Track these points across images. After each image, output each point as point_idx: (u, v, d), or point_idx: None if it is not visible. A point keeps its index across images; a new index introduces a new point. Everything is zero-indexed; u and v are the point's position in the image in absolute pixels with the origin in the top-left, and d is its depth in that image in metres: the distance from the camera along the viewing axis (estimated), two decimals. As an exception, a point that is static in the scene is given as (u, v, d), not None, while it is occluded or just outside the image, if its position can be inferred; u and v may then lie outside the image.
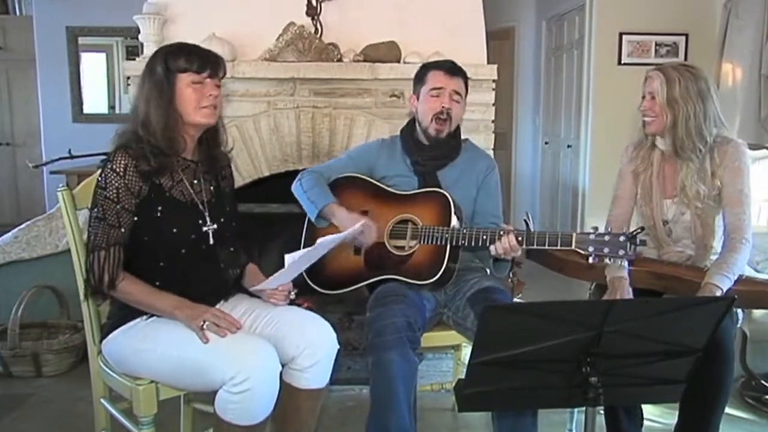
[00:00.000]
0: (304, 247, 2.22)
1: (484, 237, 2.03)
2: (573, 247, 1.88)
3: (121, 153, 1.77)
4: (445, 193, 2.18)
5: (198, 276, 1.88)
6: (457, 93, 2.26)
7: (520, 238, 1.97)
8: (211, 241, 1.89)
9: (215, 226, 1.90)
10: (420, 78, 2.31)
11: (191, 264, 1.86)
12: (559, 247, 1.91)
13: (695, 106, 2.06)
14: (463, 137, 2.39)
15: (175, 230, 1.82)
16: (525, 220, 2.01)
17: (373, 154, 2.38)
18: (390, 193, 2.28)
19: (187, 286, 1.85)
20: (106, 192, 1.76)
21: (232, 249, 1.99)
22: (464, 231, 2.06)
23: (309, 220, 2.33)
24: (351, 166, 2.37)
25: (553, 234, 1.93)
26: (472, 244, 2.05)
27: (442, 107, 2.22)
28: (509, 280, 3.15)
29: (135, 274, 1.81)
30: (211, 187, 1.95)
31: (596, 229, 1.87)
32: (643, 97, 2.16)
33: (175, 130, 1.81)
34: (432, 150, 2.29)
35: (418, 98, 2.30)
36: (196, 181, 1.90)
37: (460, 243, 2.07)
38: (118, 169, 1.75)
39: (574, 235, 1.89)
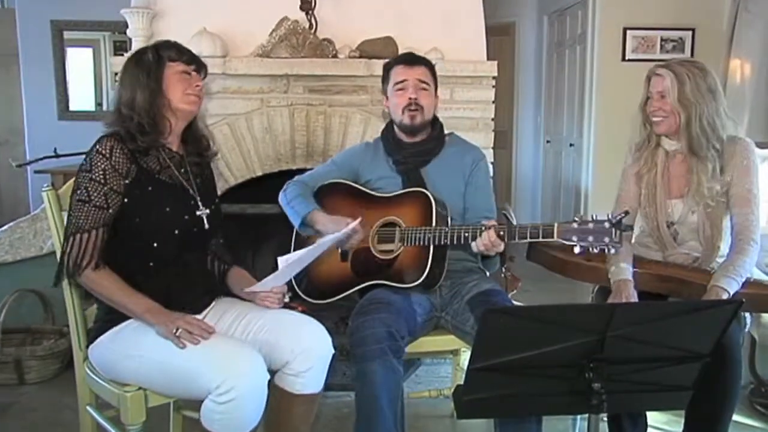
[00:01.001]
0: (294, 251, 2.23)
1: (466, 234, 2.03)
2: (555, 237, 1.87)
3: (107, 138, 1.83)
4: (425, 191, 2.19)
5: (189, 261, 1.92)
6: (422, 81, 2.27)
7: (501, 233, 1.98)
8: (206, 226, 1.94)
9: (208, 211, 1.95)
10: (385, 77, 2.35)
11: (184, 248, 1.90)
12: (541, 239, 1.92)
13: (707, 104, 2.09)
14: (448, 131, 2.40)
15: (167, 209, 1.86)
16: (504, 214, 2.01)
17: (357, 157, 2.41)
18: (372, 196, 2.30)
19: (179, 270, 1.88)
20: (92, 174, 1.79)
21: (221, 240, 2.06)
22: (446, 230, 2.07)
23: (295, 236, 2.36)
24: (335, 171, 2.40)
25: (534, 226, 1.94)
26: (455, 242, 2.06)
27: (409, 99, 2.24)
28: (502, 275, 3.14)
29: (127, 258, 1.84)
30: (198, 180, 2.00)
31: (580, 217, 1.86)
32: (648, 97, 2.17)
33: (161, 111, 1.88)
34: (413, 147, 2.31)
35: (387, 98, 2.34)
36: (183, 170, 1.95)
37: (442, 242, 2.08)
38: (104, 151, 1.80)
39: (556, 225, 1.88)
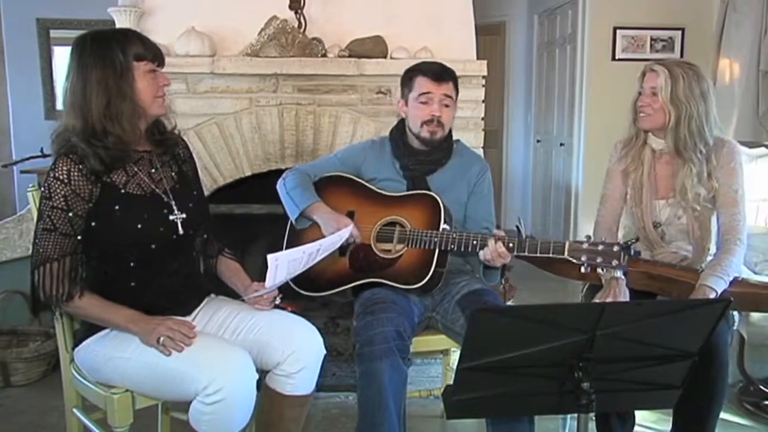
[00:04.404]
0: (286, 248, 2.23)
1: (474, 242, 2.04)
2: (565, 255, 1.90)
3: (62, 159, 1.71)
4: (435, 195, 2.18)
5: (173, 270, 1.87)
6: (447, 97, 2.23)
7: (511, 245, 1.98)
8: (181, 231, 1.85)
9: (184, 215, 1.86)
10: (406, 83, 2.29)
11: (164, 259, 1.84)
12: (550, 255, 1.93)
13: (698, 106, 2.10)
14: (454, 138, 2.39)
15: (139, 226, 1.78)
16: (517, 226, 2.02)
17: (360, 155, 2.38)
18: (378, 194, 2.28)
19: (163, 282, 1.85)
20: (53, 202, 1.70)
21: (205, 236, 1.99)
22: (454, 235, 2.07)
23: (289, 230, 2.34)
24: (338, 166, 2.37)
25: (545, 242, 1.94)
26: (462, 249, 2.06)
27: (432, 115, 2.21)
28: (501, 285, 3.16)
29: (107, 281, 1.80)
30: (173, 174, 1.92)
31: (589, 237, 1.89)
32: (640, 93, 2.19)
33: (139, 121, 1.79)
34: (423, 155, 2.28)
35: (406, 103, 2.28)
36: (153, 171, 1.86)
37: (449, 247, 2.08)
38: (61, 176, 1.70)
39: (567, 243, 1.91)
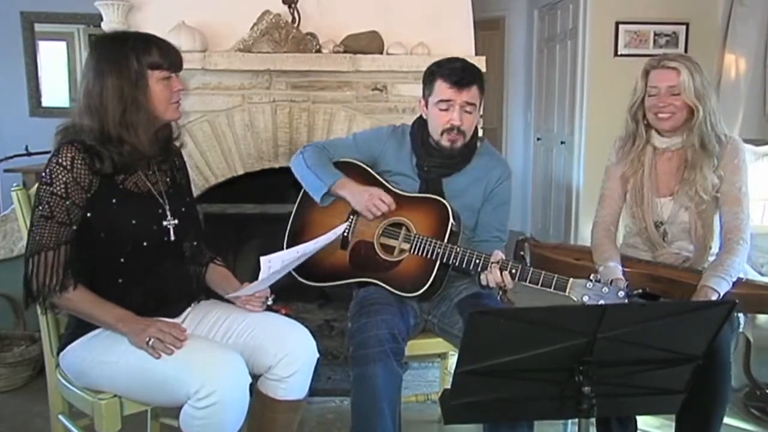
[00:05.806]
0: (286, 245, 2.24)
1: (477, 261, 2.03)
2: (567, 293, 1.90)
3: (66, 146, 1.75)
4: (447, 204, 2.14)
5: (162, 271, 1.88)
6: (469, 104, 2.15)
7: (513, 271, 1.97)
8: (173, 237, 1.88)
9: (176, 221, 1.89)
10: (427, 83, 2.21)
11: (155, 258, 1.86)
12: (552, 290, 1.93)
13: (711, 99, 2.14)
14: (480, 135, 2.32)
15: (134, 222, 1.81)
16: (522, 254, 2.01)
17: (380, 142, 2.32)
18: (388, 190, 2.23)
19: (152, 282, 1.86)
20: (53, 188, 1.73)
21: (195, 243, 2.01)
22: (458, 250, 2.05)
23: (295, 213, 2.33)
24: (354, 150, 2.33)
25: (549, 275, 1.94)
26: (463, 266, 2.05)
27: (451, 124, 2.15)
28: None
29: (95, 276, 1.81)
30: (167, 179, 1.95)
31: (596, 276, 1.88)
32: (651, 95, 2.17)
33: (150, 126, 1.82)
34: (441, 157, 2.22)
35: (426, 105, 2.22)
36: (150, 172, 1.90)
37: (450, 261, 2.06)
38: (64, 163, 1.73)
39: (571, 281, 1.91)
